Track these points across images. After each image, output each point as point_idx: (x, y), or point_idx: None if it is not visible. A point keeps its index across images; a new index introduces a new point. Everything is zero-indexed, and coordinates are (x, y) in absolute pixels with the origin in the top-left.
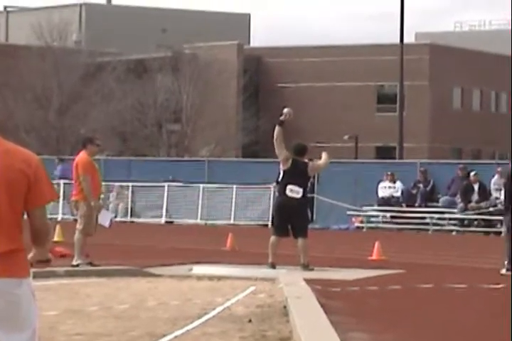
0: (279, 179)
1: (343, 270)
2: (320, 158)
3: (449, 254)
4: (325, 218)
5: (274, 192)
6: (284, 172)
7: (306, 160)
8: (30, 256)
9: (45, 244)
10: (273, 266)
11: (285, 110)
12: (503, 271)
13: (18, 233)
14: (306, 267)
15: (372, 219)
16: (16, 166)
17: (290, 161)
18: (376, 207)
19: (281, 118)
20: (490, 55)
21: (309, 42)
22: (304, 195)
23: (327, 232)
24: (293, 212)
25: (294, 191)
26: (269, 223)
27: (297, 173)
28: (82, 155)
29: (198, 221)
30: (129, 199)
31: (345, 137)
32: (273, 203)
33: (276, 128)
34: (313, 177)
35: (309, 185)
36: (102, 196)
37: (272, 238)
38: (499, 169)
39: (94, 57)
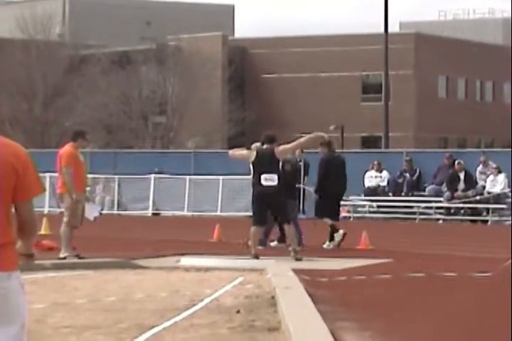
0: (251, 171)
1: (331, 260)
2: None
3: (436, 243)
4: (312, 208)
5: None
6: (253, 164)
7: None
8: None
9: (31, 237)
10: (256, 257)
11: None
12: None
13: (7, 226)
14: (297, 253)
15: (359, 209)
16: (5, 159)
17: (254, 153)
18: (363, 197)
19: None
20: (474, 43)
21: (294, 32)
22: (279, 181)
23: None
24: (272, 200)
25: (268, 179)
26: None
27: (266, 161)
28: (67, 148)
29: (185, 212)
30: (116, 192)
31: (331, 127)
32: (251, 194)
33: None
34: (302, 168)
35: (296, 175)
36: (89, 188)
37: (253, 228)
38: (482, 158)
39: (78, 49)
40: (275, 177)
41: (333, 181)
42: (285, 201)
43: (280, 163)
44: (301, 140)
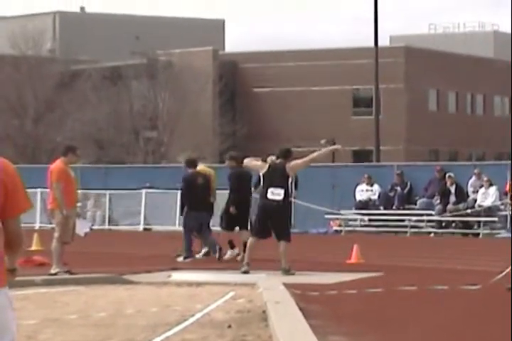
0: (261, 183)
1: (322, 274)
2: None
3: (427, 256)
4: (303, 222)
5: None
6: (263, 176)
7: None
8: None
9: (18, 252)
10: (247, 265)
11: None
12: (180, 259)
13: None
14: (287, 271)
15: (351, 223)
16: None
17: (267, 166)
18: (354, 211)
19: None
20: (464, 57)
21: (284, 46)
22: (285, 196)
23: (305, 236)
24: (274, 215)
25: (275, 193)
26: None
27: (276, 175)
28: (57, 163)
29: (176, 227)
30: (107, 207)
31: (322, 141)
32: (255, 206)
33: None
34: (292, 181)
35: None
36: (79, 204)
37: (251, 239)
38: (476, 171)
39: (68, 65)
40: (282, 192)
41: (243, 195)
42: (287, 217)
43: (290, 179)
44: (313, 155)
